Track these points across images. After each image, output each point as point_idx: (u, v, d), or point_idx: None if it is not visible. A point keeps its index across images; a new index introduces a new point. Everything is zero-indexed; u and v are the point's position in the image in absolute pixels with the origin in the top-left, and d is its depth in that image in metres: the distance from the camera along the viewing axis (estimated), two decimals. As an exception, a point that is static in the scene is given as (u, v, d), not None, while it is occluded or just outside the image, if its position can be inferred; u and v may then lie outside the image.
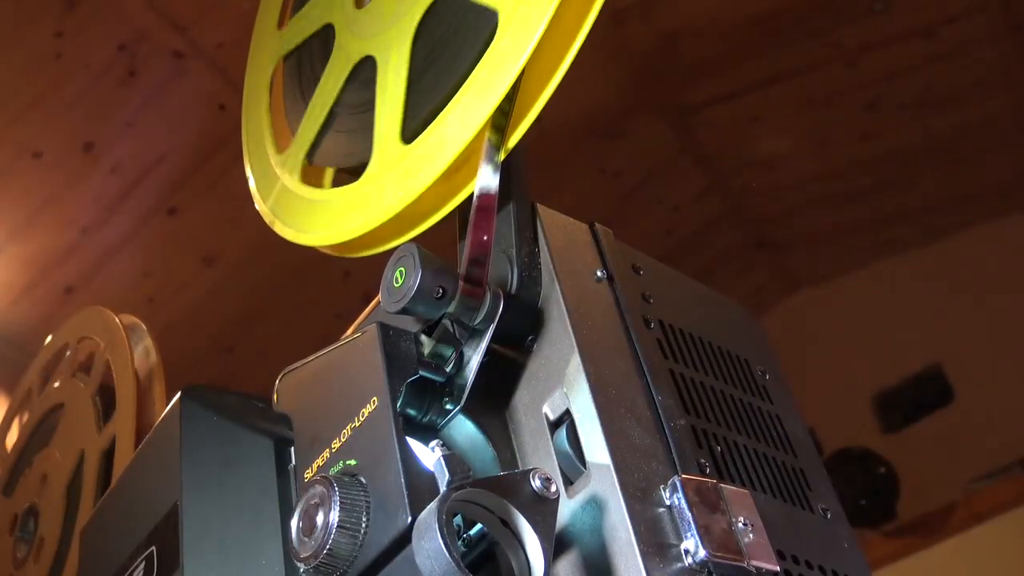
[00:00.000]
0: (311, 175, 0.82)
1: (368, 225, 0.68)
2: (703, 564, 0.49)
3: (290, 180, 0.79)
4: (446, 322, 0.58)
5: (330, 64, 0.78)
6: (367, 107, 0.72)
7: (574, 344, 0.55)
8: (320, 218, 0.75)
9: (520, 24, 0.61)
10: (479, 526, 0.50)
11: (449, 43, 0.69)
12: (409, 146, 0.66)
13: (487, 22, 0.64)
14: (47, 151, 1.56)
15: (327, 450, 0.55)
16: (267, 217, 0.82)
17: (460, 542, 0.49)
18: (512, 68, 0.60)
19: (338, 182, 0.82)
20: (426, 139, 0.65)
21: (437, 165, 0.63)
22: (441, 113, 0.65)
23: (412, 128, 0.68)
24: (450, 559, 0.42)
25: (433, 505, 0.44)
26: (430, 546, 0.43)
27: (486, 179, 0.60)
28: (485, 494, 0.46)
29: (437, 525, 0.43)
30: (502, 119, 0.62)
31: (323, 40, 0.80)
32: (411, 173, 0.65)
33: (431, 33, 0.70)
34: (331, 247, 0.75)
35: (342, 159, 0.80)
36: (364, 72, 0.74)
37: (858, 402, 2.79)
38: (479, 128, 0.61)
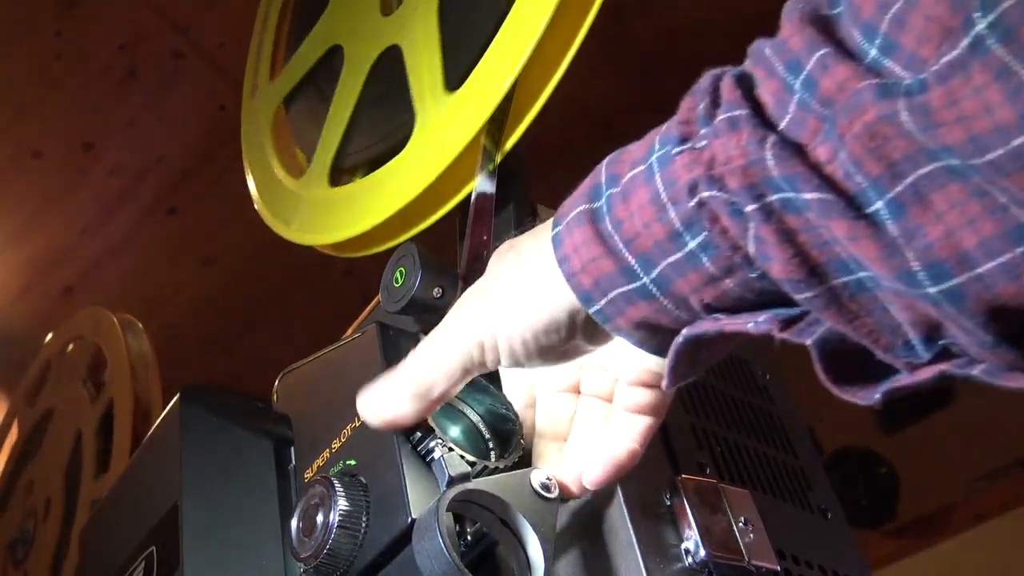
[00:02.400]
0: (293, 162, 0.82)
1: (367, 224, 0.67)
2: (703, 564, 0.49)
3: (317, 191, 0.79)
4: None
5: (345, 72, 0.78)
6: (389, 92, 0.72)
7: (574, 344, 0.55)
8: (320, 218, 0.75)
9: (525, 14, 0.61)
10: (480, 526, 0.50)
11: (473, 7, 0.69)
12: (455, 93, 0.66)
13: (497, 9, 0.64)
14: (47, 151, 1.56)
15: (327, 450, 0.55)
16: (265, 216, 0.82)
17: (460, 542, 0.49)
18: (514, 65, 0.60)
19: (338, 182, 0.82)
20: (471, 84, 0.65)
21: (437, 166, 0.63)
22: (480, 60, 0.65)
23: (453, 81, 0.68)
24: (450, 559, 0.42)
25: (433, 505, 0.44)
26: (430, 546, 0.43)
27: (483, 179, 0.61)
28: (485, 494, 0.46)
29: (437, 525, 0.43)
30: (499, 121, 0.62)
31: (328, 64, 0.81)
32: (464, 116, 0.64)
33: (453, 6, 0.70)
34: (331, 247, 0.75)
35: (372, 149, 0.79)
36: (383, 65, 0.75)
37: (858, 402, 2.78)
38: (478, 129, 0.61)
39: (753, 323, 0.35)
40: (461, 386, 0.46)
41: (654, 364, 0.46)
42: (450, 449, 0.49)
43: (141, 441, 1.00)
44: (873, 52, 0.32)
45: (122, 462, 1.03)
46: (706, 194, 0.34)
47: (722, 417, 0.61)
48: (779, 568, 0.52)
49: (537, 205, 0.63)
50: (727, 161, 0.34)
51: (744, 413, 0.63)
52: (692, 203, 0.35)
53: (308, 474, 0.56)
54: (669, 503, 0.51)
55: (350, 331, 0.69)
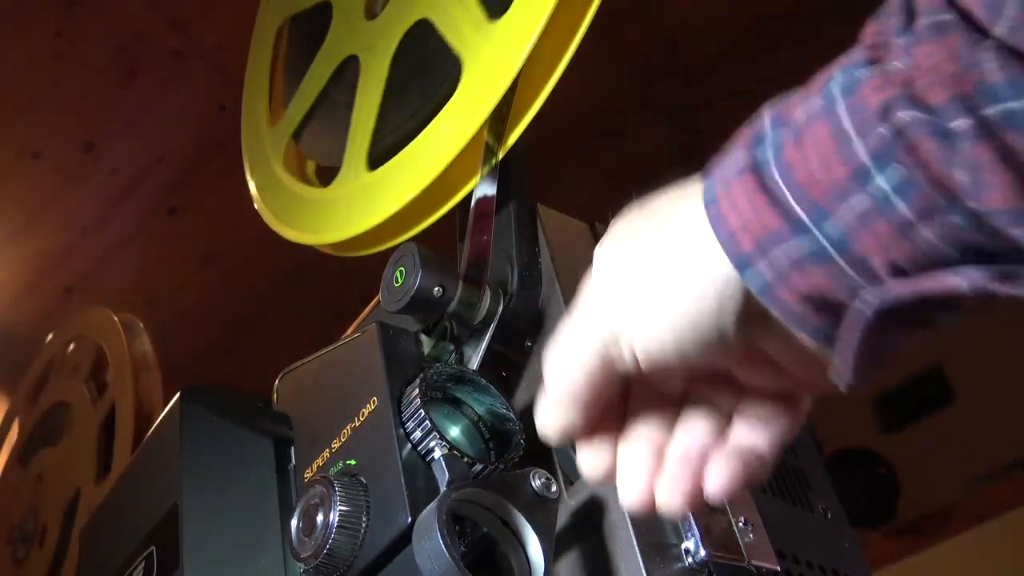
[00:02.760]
0: (298, 162, 0.82)
1: (367, 224, 0.67)
2: (703, 564, 0.49)
3: (275, 158, 0.79)
4: (446, 322, 0.58)
5: (322, 50, 0.78)
6: (348, 110, 0.72)
7: (574, 344, 0.55)
8: (320, 218, 0.75)
9: (482, 80, 0.61)
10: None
11: (424, 69, 0.69)
12: (372, 174, 0.67)
13: (456, 62, 0.64)
14: (47, 151, 1.56)
15: (327, 450, 0.55)
16: (265, 216, 0.82)
17: (460, 543, 0.49)
18: (513, 66, 0.60)
19: (321, 176, 0.83)
20: (387, 172, 0.66)
21: (437, 166, 0.63)
22: (406, 147, 0.65)
23: (380, 151, 0.68)
24: (450, 559, 0.42)
25: (433, 505, 0.44)
26: (430, 546, 0.43)
27: (484, 180, 0.60)
28: (485, 494, 0.46)
29: (437, 525, 0.43)
30: (500, 119, 0.62)
31: (324, 16, 0.81)
32: (368, 202, 0.66)
33: (412, 53, 0.70)
34: (331, 247, 0.75)
35: (324, 157, 0.80)
36: (349, 71, 0.75)
37: (858, 402, 2.78)
38: (479, 127, 0.61)
39: (963, 277, 0.28)
40: (615, 384, 0.38)
41: (800, 364, 0.37)
42: (450, 449, 0.49)
43: (142, 436, 1.01)
44: None
45: (126, 441, 1.04)
46: (904, 115, 0.28)
47: (722, 417, 0.61)
48: (779, 568, 0.52)
49: (537, 205, 0.63)
50: (933, 69, 0.28)
51: (744, 413, 0.63)
52: (885, 130, 0.29)
53: (308, 474, 0.56)
54: (669, 503, 0.51)
55: (350, 331, 0.69)
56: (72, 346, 1.27)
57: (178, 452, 0.60)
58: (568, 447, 0.53)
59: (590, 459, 0.40)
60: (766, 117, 0.33)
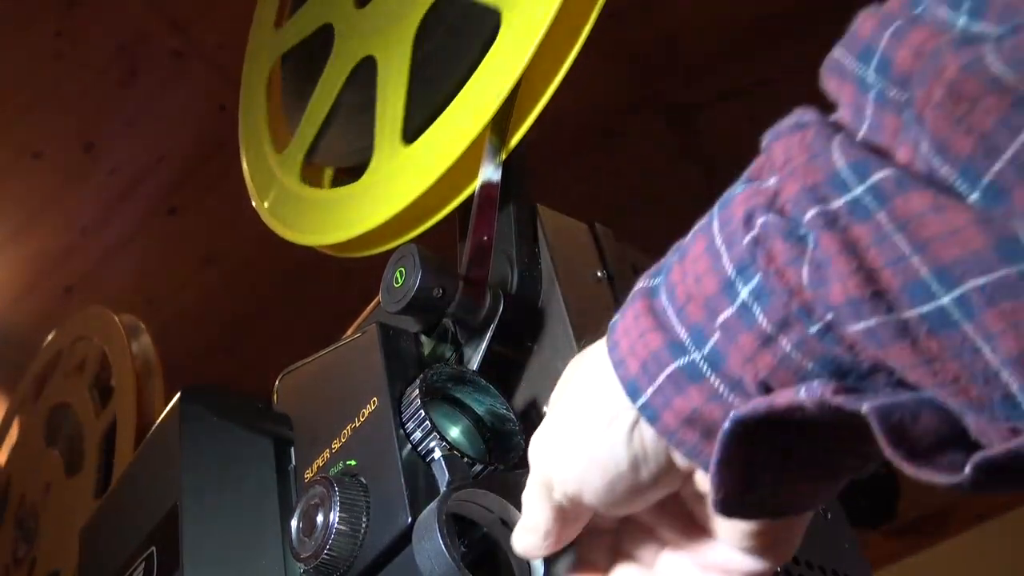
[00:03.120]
0: (310, 175, 0.82)
1: (367, 225, 0.68)
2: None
3: (289, 180, 0.79)
4: (446, 322, 0.58)
5: (330, 64, 0.78)
6: (367, 107, 0.72)
7: (574, 344, 0.55)
8: (320, 218, 0.75)
9: (522, 22, 0.61)
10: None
11: (450, 43, 0.68)
12: (410, 147, 0.66)
13: (488, 22, 0.64)
14: (47, 151, 1.56)
15: (327, 450, 0.55)
16: (265, 216, 0.82)
17: (460, 543, 0.49)
18: (515, 67, 0.60)
19: (338, 182, 0.82)
20: (427, 140, 0.65)
21: (438, 167, 0.63)
22: (442, 114, 0.65)
23: (413, 128, 0.68)
24: (450, 559, 0.42)
25: (433, 505, 0.44)
26: (430, 546, 0.43)
27: (487, 179, 0.60)
28: (485, 494, 0.46)
29: (437, 525, 0.43)
30: (503, 119, 0.62)
31: (323, 40, 0.80)
32: (412, 174, 0.65)
33: (432, 32, 0.70)
34: (331, 247, 0.75)
35: (342, 159, 0.80)
36: (364, 72, 0.74)
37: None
38: (481, 128, 0.61)
39: (805, 388, 0.27)
40: (580, 527, 0.39)
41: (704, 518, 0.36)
42: (451, 449, 0.49)
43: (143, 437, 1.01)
44: (962, 20, 0.26)
45: (127, 441, 1.03)
46: (761, 220, 0.28)
47: (722, 417, 0.61)
48: (779, 568, 0.52)
49: (537, 205, 0.63)
50: (787, 162, 0.28)
51: (744, 413, 0.63)
52: (747, 239, 0.29)
53: (308, 474, 0.56)
54: (669, 503, 0.51)
55: (350, 331, 0.69)
56: (71, 346, 1.27)
57: (178, 452, 0.60)
58: None
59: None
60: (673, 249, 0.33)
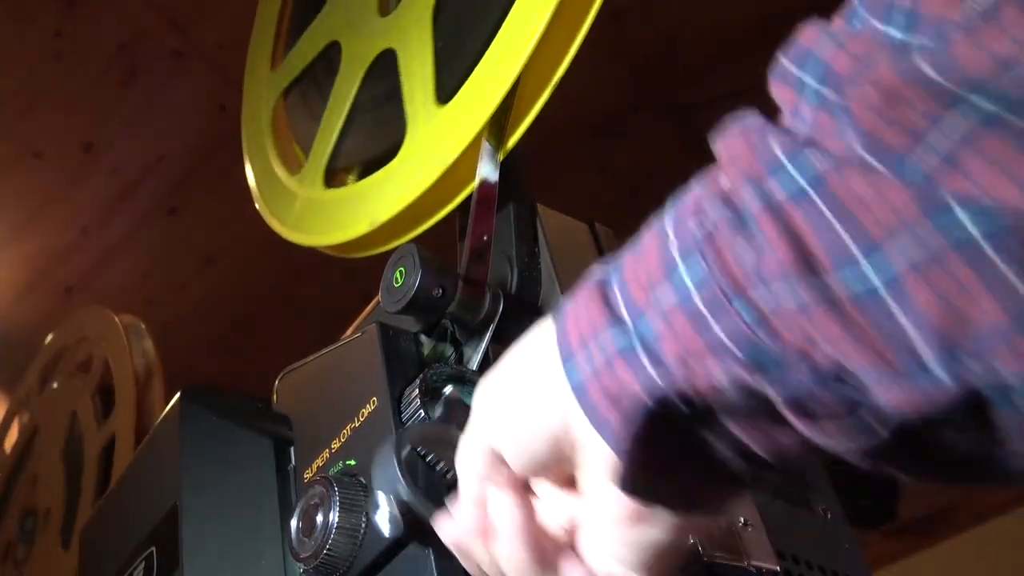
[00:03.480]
0: (334, 180, 0.82)
1: (414, 193, 0.66)
2: (704, 564, 0.49)
3: (312, 191, 0.78)
4: (446, 322, 0.58)
5: (342, 73, 0.78)
6: (386, 97, 0.72)
7: (574, 344, 0.55)
8: (349, 212, 0.74)
9: (482, 81, 0.61)
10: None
11: (471, 9, 0.68)
12: (446, 106, 0.66)
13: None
14: (47, 151, 1.56)
15: (327, 450, 0.55)
16: (267, 217, 0.82)
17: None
18: (478, 118, 0.60)
19: (365, 175, 0.82)
20: (463, 97, 0.65)
21: (479, 117, 0.62)
22: (472, 73, 0.64)
23: (445, 93, 0.67)
24: (400, 478, 0.43)
25: (393, 436, 0.45)
26: (383, 473, 0.43)
27: (486, 178, 0.61)
28: (451, 430, 0.46)
29: (394, 452, 0.43)
30: (502, 118, 0.62)
31: (327, 61, 0.81)
32: (454, 129, 0.64)
33: (450, 8, 0.70)
34: (332, 247, 0.75)
35: (367, 152, 0.79)
36: (380, 67, 0.75)
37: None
38: (513, 78, 0.60)
39: (724, 367, 0.29)
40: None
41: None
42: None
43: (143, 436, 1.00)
44: (897, 33, 0.27)
45: (127, 440, 1.03)
46: (710, 208, 0.30)
47: (722, 417, 0.61)
48: (779, 568, 0.52)
49: (537, 205, 0.63)
50: (732, 158, 0.30)
51: (744, 413, 0.63)
52: (694, 225, 0.30)
53: (308, 474, 0.56)
54: (669, 503, 0.51)
55: (350, 331, 0.69)
56: (72, 346, 1.27)
57: (178, 452, 0.60)
58: None
59: None
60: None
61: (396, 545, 0.49)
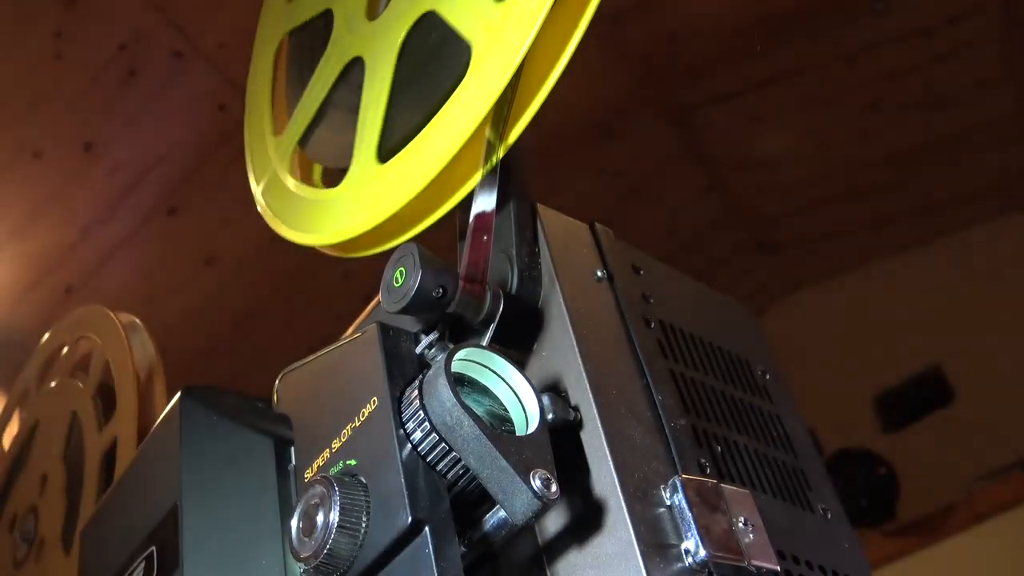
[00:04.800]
0: (303, 168, 0.82)
1: (426, 179, 0.66)
2: (703, 564, 0.49)
3: (280, 167, 0.79)
4: (446, 322, 0.58)
5: (326, 56, 0.78)
6: (355, 111, 0.72)
7: (574, 344, 0.55)
8: (318, 218, 0.75)
9: (491, 63, 0.61)
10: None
11: (431, 63, 0.69)
12: (383, 167, 0.67)
13: (464, 50, 0.64)
14: (47, 151, 1.56)
15: (327, 450, 0.55)
16: (264, 213, 0.82)
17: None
18: (479, 108, 0.60)
19: (328, 180, 0.82)
20: (398, 163, 0.66)
21: (403, 193, 0.64)
22: (415, 138, 0.65)
23: (389, 146, 0.68)
24: (457, 404, 0.48)
25: (440, 360, 0.49)
26: (438, 402, 0.48)
27: (485, 178, 0.61)
28: (490, 355, 0.51)
29: (444, 379, 0.48)
30: (500, 118, 0.62)
31: (325, 25, 0.81)
32: (380, 195, 0.66)
33: (417, 48, 0.70)
34: (331, 247, 0.75)
35: (332, 159, 0.80)
36: (355, 73, 0.75)
37: (858, 402, 2.78)
38: (446, 160, 0.62)
39: None
40: None
41: None
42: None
43: (144, 434, 1.00)
44: None
45: (127, 437, 1.03)
46: None
47: (722, 417, 0.61)
48: (779, 568, 0.52)
49: (537, 205, 0.63)
50: None
51: (744, 413, 0.63)
52: None
53: (308, 474, 0.56)
54: (669, 503, 0.51)
55: (350, 331, 0.69)
56: (70, 345, 1.27)
57: (178, 452, 0.60)
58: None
59: None
60: None
61: (396, 545, 0.49)
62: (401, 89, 0.70)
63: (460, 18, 0.65)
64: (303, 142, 0.80)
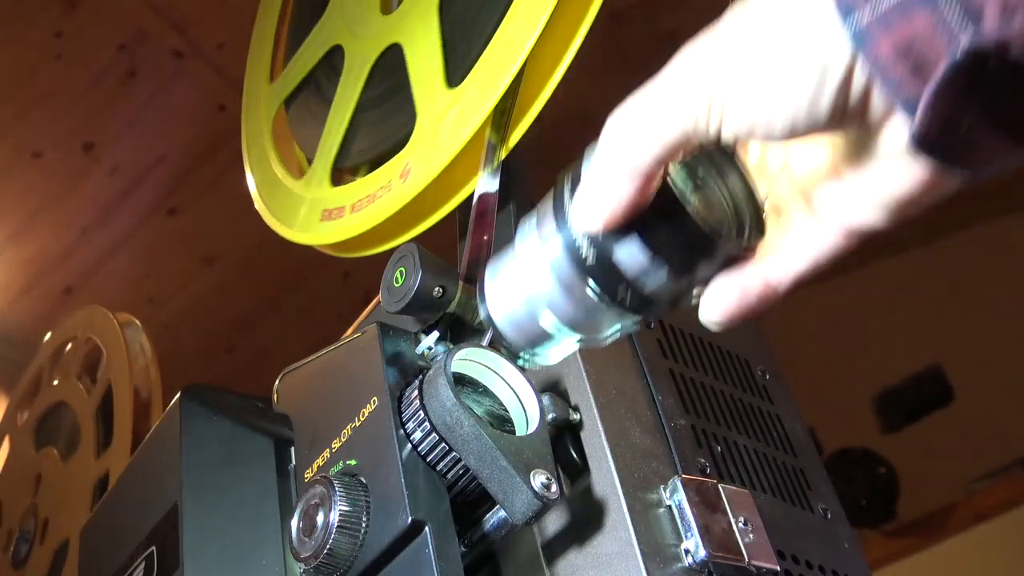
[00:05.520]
0: (295, 163, 0.83)
1: (427, 180, 0.65)
2: (703, 564, 0.49)
3: (320, 191, 0.79)
4: (446, 322, 0.58)
5: (346, 72, 0.78)
6: (392, 92, 0.72)
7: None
8: (313, 217, 0.75)
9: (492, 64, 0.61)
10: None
11: (473, 6, 0.69)
12: (456, 88, 0.66)
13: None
14: (47, 151, 1.56)
15: (327, 450, 0.55)
16: (289, 235, 0.81)
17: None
18: (477, 116, 0.60)
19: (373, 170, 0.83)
20: (473, 78, 0.65)
21: (491, 96, 0.62)
22: (481, 55, 0.64)
23: (455, 78, 0.67)
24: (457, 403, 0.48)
25: (440, 360, 0.50)
26: (438, 402, 0.49)
27: (486, 178, 0.61)
28: (484, 351, 0.51)
29: (444, 379, 0.48)
30: (501, 118, 0.62)
31: (328, 66, 0.81)
32: (467, 110, 0.64)
33: (454, 4, 0.70)
34: (331, 247, 0.75)
35: (374, 149, 0.79)
36: (384, 64, 0.75)
37: (858, 402, 2.78)
38: (522, 61, 0.60)
39: None
40: (679, 157, 0.37)
41: (857, 170, 0.35)
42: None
43: (141, 433, 1.00)
44: None
45: (124, 436, 1.03)
46: None
47: (722, 417, 0.61)
48: (779, 568, 0.52)
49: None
50: None
51: (744, 413, 0.63)
52: None
53: (308, 474, 0.56)
54: (669, 503, 0.51)
55: (350, 331, 0.69)
56: (70, 345, 1.27)
57: (178, 452, 0.60)
58: (569, 448, 0.53)
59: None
60: None
61: (396, 545, 0.49)
62: (448, 37, 0.70)
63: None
64: (342, 151, 0.79)
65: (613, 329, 0.41)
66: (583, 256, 0.39)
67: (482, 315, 0.43)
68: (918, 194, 0.34)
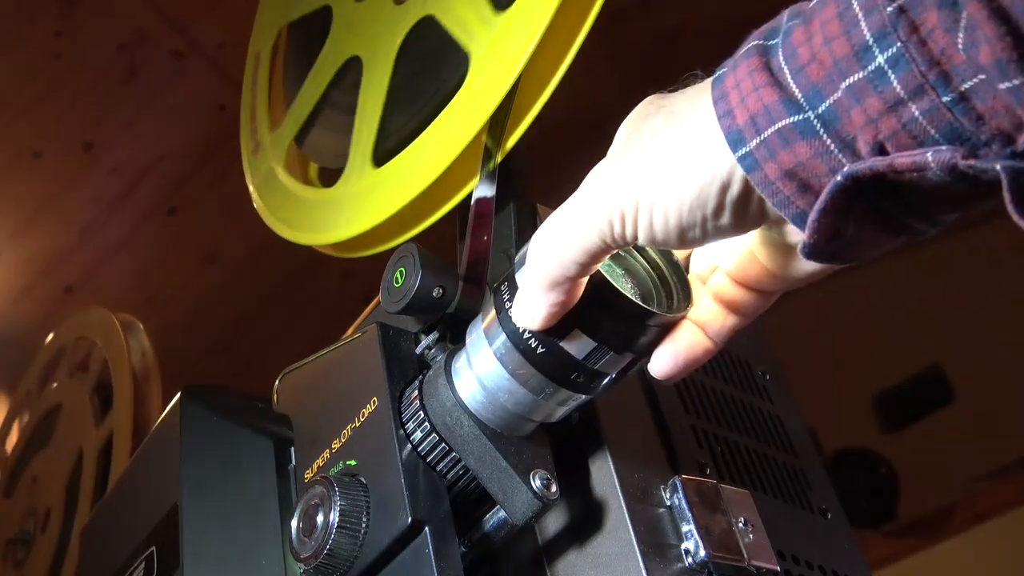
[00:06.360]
0: (297, 166, 0.82)
1: (426, 180, 0.65)
2: (703, 564, 0.49)
3: (276, 162, 0.79)
4: (446, 323, 0.58)
5: (323, 54, 0.78)
6: (352, 110, 0.72)
7: (574, 344, 0.55)
8: (316, 218, 0.75)
9: (489, 74, 0.61)
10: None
11: (429, 69, 0.69)
12: (378, 171, 0.67)
13: (463, 58, 0.64)
14: (47, 151, 1.56)
15: (327, 450, 0.55)
16: (263, 213, 0.82)
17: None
18: (476, 118, 0.61)
19: (325, 178, 0.83)
20: (394, 168, 0.66)
21: (398, 198, 0.64)
22: (411, 144, 0.65)
23: (385, 149, 0.68)
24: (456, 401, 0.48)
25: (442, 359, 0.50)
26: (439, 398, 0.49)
27: (484, 180, 0.61)
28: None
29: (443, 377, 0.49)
30: (500, 119, 0.62)
31: (324, 20, 0.80)
32: (375, 199, 0.66)
33: (415, 52, 0.70)
34: (331, 247, 0.75)
35: (330, 159, 0.80)
36: (352, 72, 0.74)
37: (858, 402, 2.78)
38: (442, 168, 0.62)
39: (933, 152, 0.30)
40: (600, 263, 0.41)
41: (765, 255, 0.41)
42: None
43: (142, 433, 1.00)
44: None
45: (124, 436, 1.03)
46: None
47: (722, 417, 0.61)
48: (779, 568, 0.52)
49: (537, 205, 0.63)
50: None
51: (744, 413, 0.63)
52: (890, 8, 0.30)
53: (308, 474, 0.56)
54: (669, 503, 0.51)
55: (350, 331, 0.69)
56: (70, 346, 1.27)
57: (178, 452, 0.60)
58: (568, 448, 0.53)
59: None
60: (785, 13, 0.35)
61: (396, 545, 0.49)
62: (398, 92, 0.70)
63: (459, 26, 0.65)
64: (299, 139, 0.79)
65: (567, 408, 0.47)
66: (532, 347, 0.44)
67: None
68: (816, 275, 0.41)
